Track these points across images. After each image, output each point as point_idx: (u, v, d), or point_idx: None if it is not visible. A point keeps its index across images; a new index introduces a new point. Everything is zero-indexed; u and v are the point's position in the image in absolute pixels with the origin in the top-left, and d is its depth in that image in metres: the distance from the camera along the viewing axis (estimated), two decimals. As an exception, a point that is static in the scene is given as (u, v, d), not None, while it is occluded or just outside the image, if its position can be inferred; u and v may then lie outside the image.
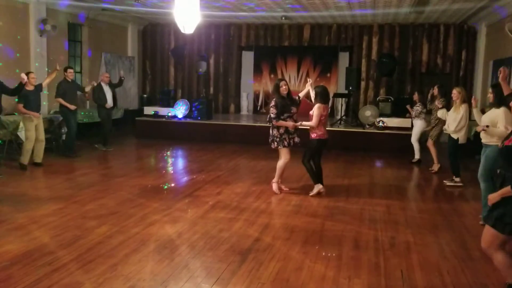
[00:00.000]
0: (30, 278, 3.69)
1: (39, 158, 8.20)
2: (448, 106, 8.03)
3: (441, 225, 5.46)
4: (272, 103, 6.37)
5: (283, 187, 6.78)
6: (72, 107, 9.05)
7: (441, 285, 3.81)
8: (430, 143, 8.50)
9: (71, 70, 9.32)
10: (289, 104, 6.41)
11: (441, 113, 7.91)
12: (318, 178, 6.51)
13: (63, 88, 9.00)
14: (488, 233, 3.36)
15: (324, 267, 4.09)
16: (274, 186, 6.67)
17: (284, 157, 6.51)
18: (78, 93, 9.78)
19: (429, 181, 7.89)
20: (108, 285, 3.63)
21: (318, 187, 6.49)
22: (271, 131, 6.51)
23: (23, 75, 7.60)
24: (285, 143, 6.43)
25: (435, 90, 8.38)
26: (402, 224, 5.42)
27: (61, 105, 9.06)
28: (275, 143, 6.47)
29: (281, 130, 6.40)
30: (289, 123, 6.35)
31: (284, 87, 6.38)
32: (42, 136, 8.21)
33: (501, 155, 3.39)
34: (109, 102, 10.05)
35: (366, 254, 4.44)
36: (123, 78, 10.65)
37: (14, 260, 4.04)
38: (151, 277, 3.81)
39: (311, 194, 6.49)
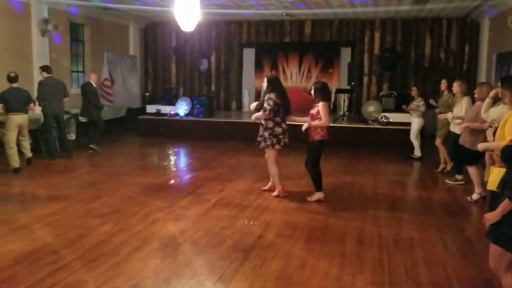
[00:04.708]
0: (34, 277, 3.69)
1: None
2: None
3: (445, 221, 5.43)
4: (274, 97, 5.94)
5: (273, 191, 6.36)
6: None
7: (445, 281, 3.79)
8: (438, 142, 8.00)
9: None
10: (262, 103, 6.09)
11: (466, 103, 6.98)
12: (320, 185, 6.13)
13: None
14: (494, 251, 3.06)
15: (327, 264, 4.07)
16: (278, 191, 6.27)
17: (276, 160, 6.16)
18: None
19: (432, 177, 7.85)
20: (111, 283, 3.63)
21: (319, 195, 6.07)
22: (272, 129, 6.01)
23: None
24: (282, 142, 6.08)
25: (443, 85, 7.96)
26: (406, 220, 5.40)
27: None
28: (283, 141, 6.06)
29: (284, 126, 6.08)
30: (259, 114, 6.03)
31: (262, 83, 6.10)
32: None
33: (503, 155, 3.04)
34: None
35: (369, 250, 4.43)
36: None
37: (18, 259, 4.05)
38: (154, 275, 3.81)
39: (309, 199, 6.09)
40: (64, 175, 7.61)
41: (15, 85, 7.78)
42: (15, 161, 7.63)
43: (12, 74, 7.81)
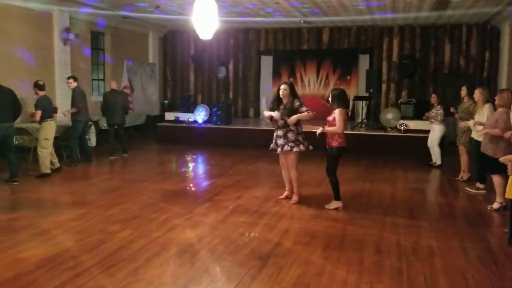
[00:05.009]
0: (54, 282, 3.75)
1: None
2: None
3: (465, 229, 5.34)
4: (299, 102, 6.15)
5: (293, 197, 6.40)
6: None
7: (465, 291, 3.73)
8: (462, 150, 7.86)
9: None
10: (275, 107, 6.22)
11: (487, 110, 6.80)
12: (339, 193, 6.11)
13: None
14: None
15: (345, 272, 4.04)
16: (299, 195, 6.39)
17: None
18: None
19: (452, 185, 7.74)
20: (130, 289, 3.67)
21: (337, 204, 6.05)
22: (302, 133, 6.22)
23: None
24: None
25: (463, 91, 7.89)
26: (425, 229, 5.33)
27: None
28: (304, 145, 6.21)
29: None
30: (273, 114, 6.13)
31: (281, 90, 6.12)
32: None
33: None
34: None
35: (388, 259, 4.38)
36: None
37: (39, 264, 4.12)
38: (172, 281, 3.83)
39: (327, 206, 6.06)
40: (84, 181, 7.73)
41: (43, 93, 8.03)
42: (48, 167, 7.91)
43: (41, 82, 8.06)
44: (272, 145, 6.31)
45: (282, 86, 6.16)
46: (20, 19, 9.89)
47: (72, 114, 8.88)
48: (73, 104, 8.87)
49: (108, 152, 9.87)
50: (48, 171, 7.89)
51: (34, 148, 9.05)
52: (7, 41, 9.59)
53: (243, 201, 6.47)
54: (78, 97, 8.86)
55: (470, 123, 7.04)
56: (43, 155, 7.85)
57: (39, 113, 7.77)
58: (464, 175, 7.95)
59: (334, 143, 5.92)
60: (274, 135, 6.27)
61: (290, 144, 6.14)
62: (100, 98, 10.77)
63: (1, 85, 7.20)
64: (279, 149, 6.20)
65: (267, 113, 6.27)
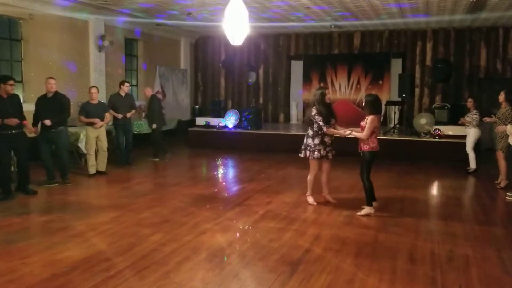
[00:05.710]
0: (88, 284, 3.84)
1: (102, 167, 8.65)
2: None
3: (503, 238, 5.17)
4: (314, 111, 6.23)
5: (329, 198, 6.61)
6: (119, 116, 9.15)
7: (504, 303, 3.60)
8: (500, 156, 7.64)
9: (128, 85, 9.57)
10: (329, 115, 6.29)
11: None
12: (371, 199, 6.06)
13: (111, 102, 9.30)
14: None
15: (377, 281, 3.97)
16: (309, 199, 6.58)
17: (312, 169, 6.47)
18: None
19: (489, 192, 7.50)
20: (161, 292, 3.71)
21: (369, 210, 5.97)
22: (305, 140, 6.42)
23: None
24: (316, 154, 6.28)
25: (501, 97, 7.69)
26: (461, 237, 5.18)
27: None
28: (307, 152, 6.36)
29: (316, 141, 6.26)
30: (340, 131, 6.22)
31: (328, 95, 6.29)
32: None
33: None
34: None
35: (422, 267, 4.28)
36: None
37: (73, 266, 4.23)
38: (202, 286, 3.85)
39: (359, 213, 5.97)
40: (118, 185, 7.89)
41: None
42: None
43: None
44: (334, 152, 6.45)
45: (327, 91, 6.37)
46: (58, 27, 10.21)
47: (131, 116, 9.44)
48: (131, 108, 9.41)
49: (161, 154, 10.37)
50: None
51: (70, 152, 9.33)
52: (46, 49, 9.92)
53: (273, 206, 6.46)
54: (134, 101, 9.60)
55: (509, 127, 6.84)
56: (107, 155, 8.60)
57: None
58: (502, 181, 7.70)
59: (366, 147, 5.93)
60: (328, 141, 6.35)
61: (329, 149, 6.42)
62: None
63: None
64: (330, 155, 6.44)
65: (347, 132, 6.18)
